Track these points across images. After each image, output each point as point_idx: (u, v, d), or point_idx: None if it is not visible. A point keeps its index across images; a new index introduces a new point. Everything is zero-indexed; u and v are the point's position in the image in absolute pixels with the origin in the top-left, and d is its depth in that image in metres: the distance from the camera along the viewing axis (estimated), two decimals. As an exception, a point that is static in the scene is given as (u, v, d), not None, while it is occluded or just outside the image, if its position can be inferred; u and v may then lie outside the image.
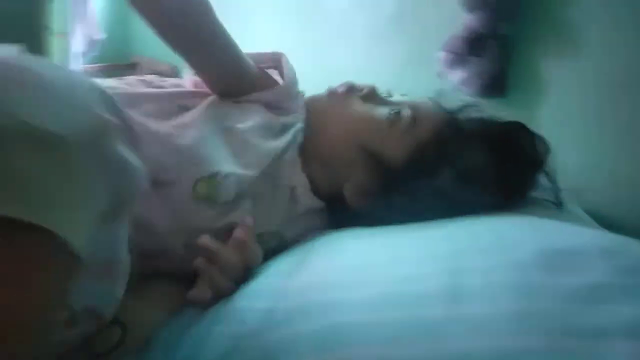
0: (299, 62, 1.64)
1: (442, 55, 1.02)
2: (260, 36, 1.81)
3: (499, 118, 0.75)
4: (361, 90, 0.75)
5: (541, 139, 0.71)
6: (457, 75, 1.02)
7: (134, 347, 0.51)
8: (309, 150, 0.71)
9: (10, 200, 0.32)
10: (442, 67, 1.04)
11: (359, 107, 0.73)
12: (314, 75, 1.58)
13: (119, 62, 2.78)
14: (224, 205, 0.60)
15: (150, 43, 2.78)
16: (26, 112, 0.33)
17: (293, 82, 0.76)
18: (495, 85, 0.97)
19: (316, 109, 0.75)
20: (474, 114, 0.76)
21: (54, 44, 2.29)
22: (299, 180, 0.69)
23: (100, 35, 2.33)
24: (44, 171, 0.33)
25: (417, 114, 0.71)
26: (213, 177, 0.59)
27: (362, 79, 1.34)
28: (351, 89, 0.75)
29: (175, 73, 2.51)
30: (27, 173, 0.32)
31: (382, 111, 0.72)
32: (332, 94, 0.75)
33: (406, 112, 0.71)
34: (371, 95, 0.74)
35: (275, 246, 0.65)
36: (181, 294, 0.57)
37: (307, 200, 0.69)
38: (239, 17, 1.91)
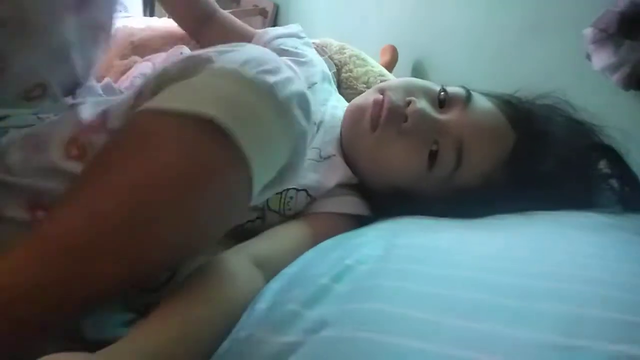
0: (407, 18, 1.48)
1: (588, 32, 0.79)
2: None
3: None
4: (404, 118, 0.63)
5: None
6: (602, 60, 0.78)
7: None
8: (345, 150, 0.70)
9: (234, 119, 0.37)
10: (588, 47, 0.82)
11: (393, 148, 0.64)
12: (422, 33, 1.44)
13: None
14: None
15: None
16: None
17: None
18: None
19: (346, 128, 0.69)
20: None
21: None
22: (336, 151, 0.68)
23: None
24: (268, 117, 0.39)
25: (466, 147, 0.62)
26: None
27: (476, 43, 1.21)
28: (393, 117, 0.63)
29: (276, 11, 2.40)
30: (256, 110, 0.38)
31: (421, 155, 0.63)
32: (369, 124, 0.65)
33: (449, 155, 0.62)
34: (415, 126, 0.62)
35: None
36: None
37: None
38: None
